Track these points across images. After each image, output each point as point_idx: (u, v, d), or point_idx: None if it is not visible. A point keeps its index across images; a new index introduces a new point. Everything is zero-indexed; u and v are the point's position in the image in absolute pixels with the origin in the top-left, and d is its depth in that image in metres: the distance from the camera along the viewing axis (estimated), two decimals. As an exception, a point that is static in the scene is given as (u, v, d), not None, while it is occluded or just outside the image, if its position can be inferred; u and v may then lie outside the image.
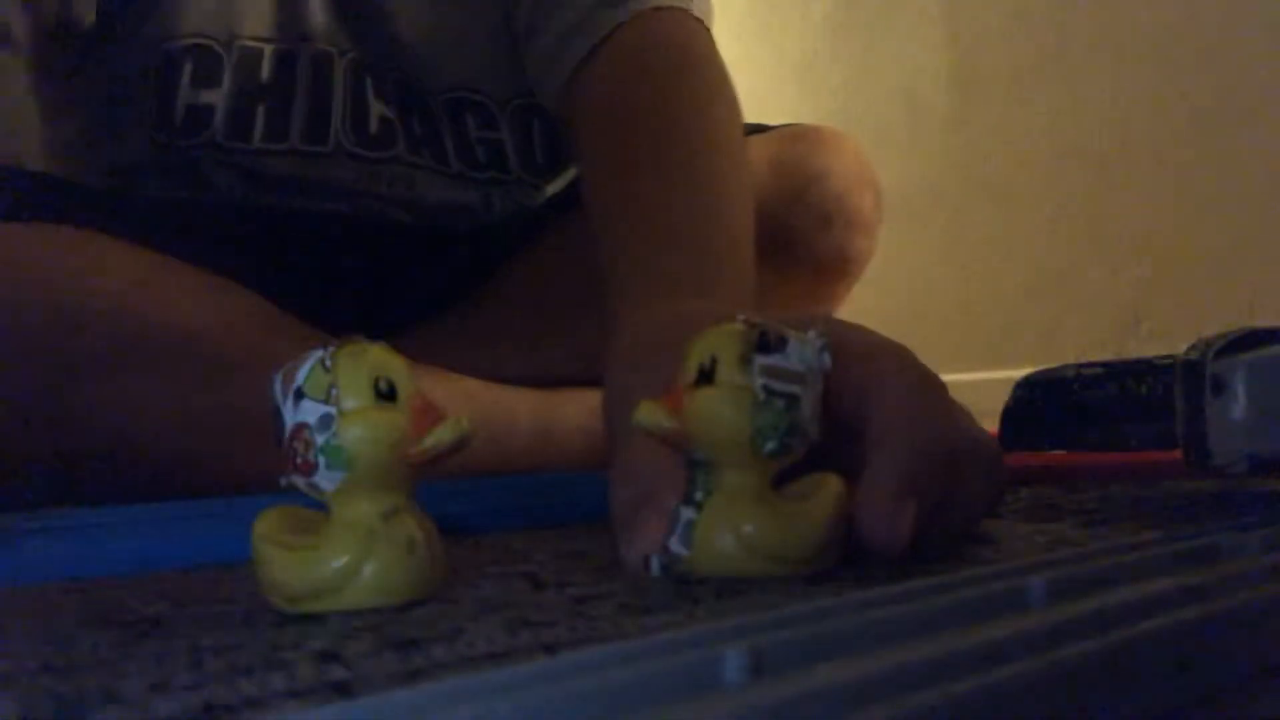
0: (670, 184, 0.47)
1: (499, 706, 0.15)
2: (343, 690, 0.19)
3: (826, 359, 0.28)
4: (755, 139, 0.67)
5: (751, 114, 0.61)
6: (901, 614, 0.20)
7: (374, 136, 0.67)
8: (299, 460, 0.24)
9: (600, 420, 0.38)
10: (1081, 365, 0.48)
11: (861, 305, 0.75)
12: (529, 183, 0.73)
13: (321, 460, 0.24)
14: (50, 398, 0.51)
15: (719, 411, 0.27)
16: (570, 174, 0.73)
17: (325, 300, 0.62)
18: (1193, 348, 0.39)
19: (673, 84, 0.53)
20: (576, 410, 0.63)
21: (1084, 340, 1.44)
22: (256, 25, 0.64)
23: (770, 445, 0.27)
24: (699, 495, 0.28)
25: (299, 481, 0.25)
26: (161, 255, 0.55)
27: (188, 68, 0.63)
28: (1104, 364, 0.47)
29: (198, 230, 0.63)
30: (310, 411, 0.24)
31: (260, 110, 0.65)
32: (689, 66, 0.55)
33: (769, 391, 0.27)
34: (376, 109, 0.67)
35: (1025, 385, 0.47)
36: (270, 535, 0.25)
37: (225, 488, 0.50)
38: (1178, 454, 0.39)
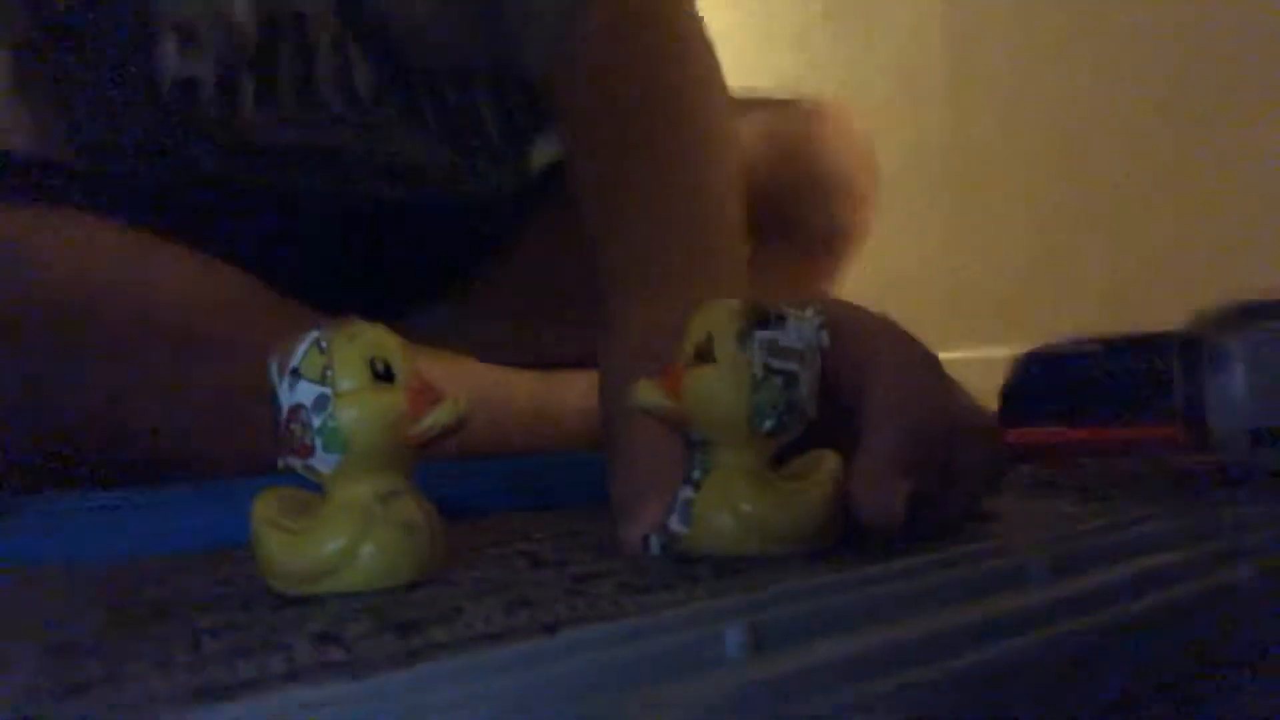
0: (663, 172, 0.47)
1: (498, 685, 0.14)
2: (341, 671, 0.19)
3: (824, 337, 0.28)
4: (751, 112, 0.67)
5: (743, 84, 0.61)
6: (900, 590, 0.20)
7: (362, 103, 0.66)
8: (296, 443, 0.24)
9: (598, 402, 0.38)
10: (1080, 341, 0.48)
11: (857, 280, 0.75)
12: (512, 151, 0.72)
13: (318, 442, 0.24)
14: (41, 382, 0.51)
15: (717, 390, 0.27)
16: (555, 149, 0.72)
17: (318, 282, 0.62)
18: (1192, 322, 0.39)
19: (662, 63, 0.53)
20: (575, 391, 0.63)
21: (1083, 317, 1.44)
22: (241, 2, 0.64)
23: (768, 424, 0.27)
24: (697, 474, 0.28)
25: (296, 463, 0.25)
26: (151, 235, 0.55)
27: (172, 41, 0.63)
28: (1102, 339, 0.47)
29: (185, 210, 0.63)
30: (306, 393, 0.24)
31: (248, 80, 0.64)
32: (678, 44, 0.54)
33: (767, 369, 0.27)
34: (362, 76, 0.66)
35: (1023, 362, 0.47)
36: (268, 518, 0.25)
37: (221, 468, 0.50)
38: (1177, 429, 0.39)
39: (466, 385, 0.60)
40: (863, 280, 0.78)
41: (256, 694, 0.18)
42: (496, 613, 0.23)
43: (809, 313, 0.28)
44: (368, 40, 0.66)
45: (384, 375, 0.24)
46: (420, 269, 0.71)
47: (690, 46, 0.54)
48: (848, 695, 0.15)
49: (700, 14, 0.58)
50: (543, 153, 0.74)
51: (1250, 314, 0.39)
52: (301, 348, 0.24)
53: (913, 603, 0.19)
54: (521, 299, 0.69)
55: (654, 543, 0.28)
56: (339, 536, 0.25)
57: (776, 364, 0.27)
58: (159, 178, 0.65)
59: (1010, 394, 0.47)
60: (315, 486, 0.26)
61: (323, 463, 0.25)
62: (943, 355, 0.32)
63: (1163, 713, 0.18)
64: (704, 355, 0.27)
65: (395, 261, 0.71)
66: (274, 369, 0.25)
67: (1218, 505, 0.28)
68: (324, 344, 0.24)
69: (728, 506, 0.27)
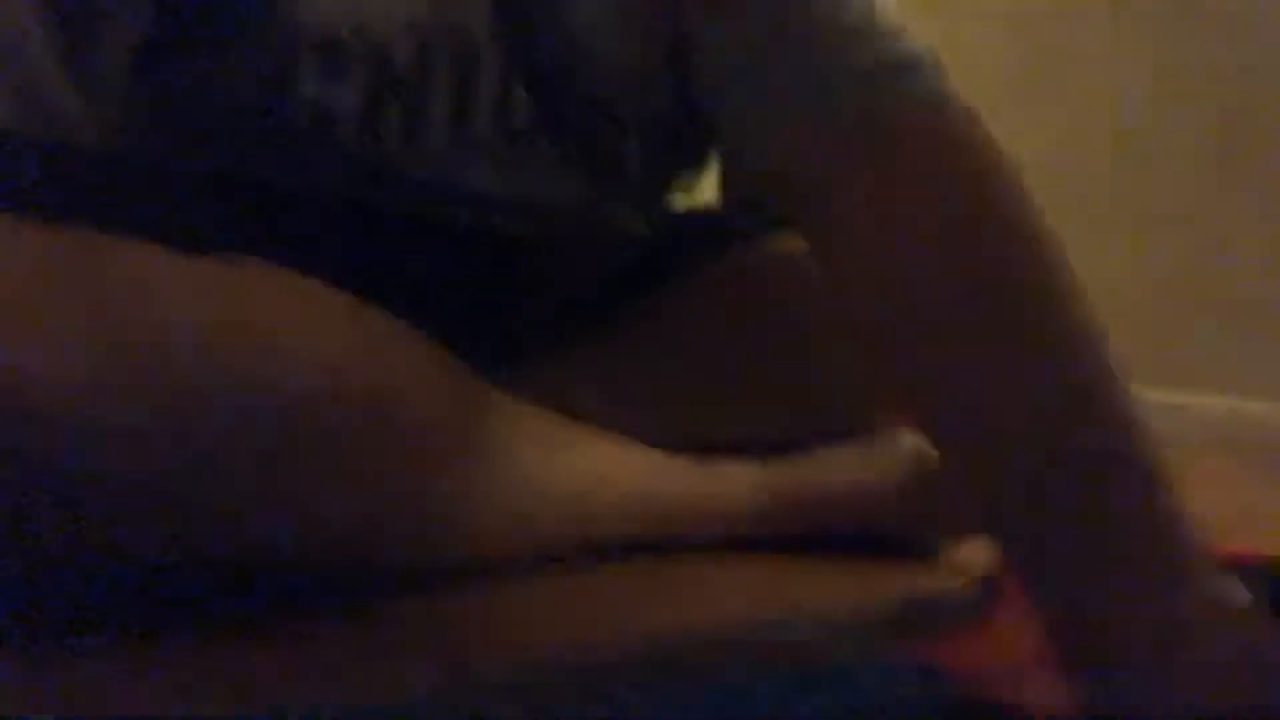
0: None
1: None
2: None
3: None
4: None
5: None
6: None
7: (518, 138, 0.57)
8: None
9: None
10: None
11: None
12: (652, 194, 0.63)
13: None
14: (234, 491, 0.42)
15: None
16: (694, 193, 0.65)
17: (439, 319, 0.54)
18: None
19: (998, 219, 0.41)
20: (741, 483, 0.56)
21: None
22: (395, 13, 0.55)
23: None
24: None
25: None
26: (357, 300, 0.47)
27: (314, 63, 0.53)
28: None
29: (298, 234, 0.54)
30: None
31: (395, 111, 0.55)
32: (998, 190, 0.42)
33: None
34: (520, 107, 0.56)
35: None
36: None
37: (412, 588, 0.45)
38: None
39: (615, 470, 0.53)
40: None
41: None
42: None
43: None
44: (532, 65, 0.57)
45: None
46: (550, 312, 0.63)
47: (1002, 181, 0.42)
48: None
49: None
50: (684, 196, 0.66)
51: None
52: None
53: None
54: (666, 365, 0.61)
55: None
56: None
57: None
58: (270, 191, 0.56)
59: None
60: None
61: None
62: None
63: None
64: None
65: (523, 302, 0.62)
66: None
67: None
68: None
69: None
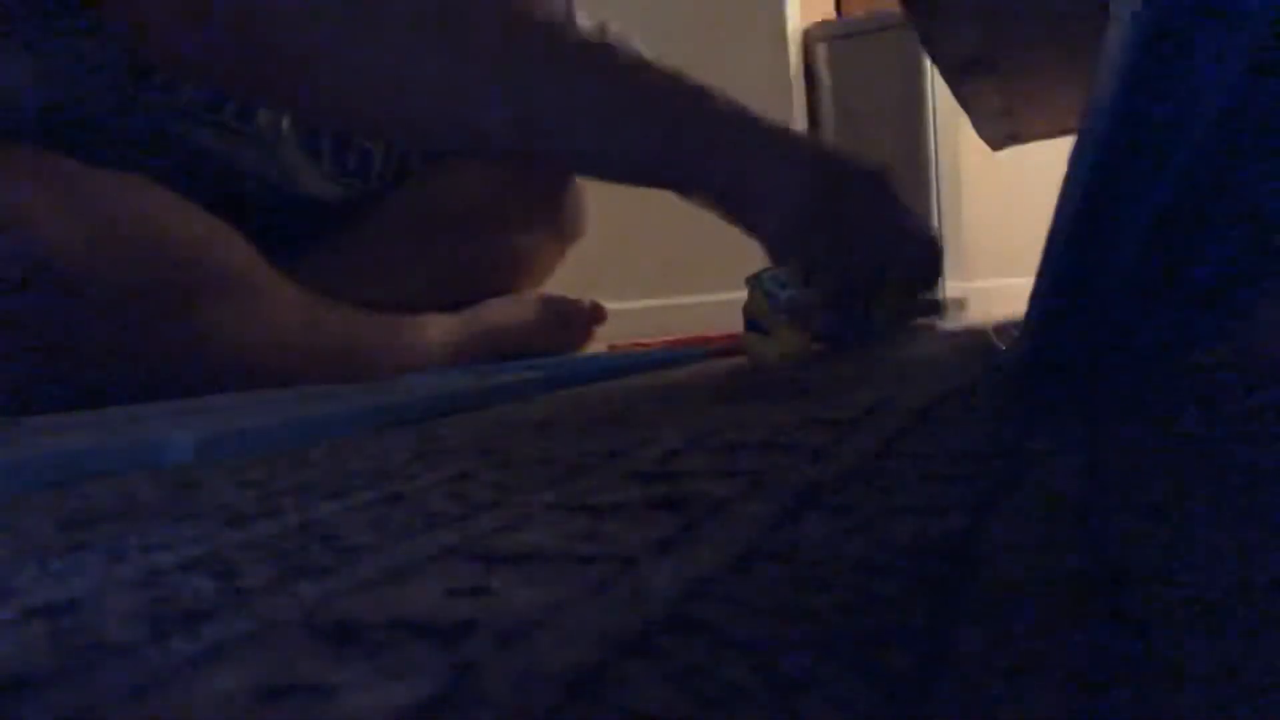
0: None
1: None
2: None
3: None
4: None
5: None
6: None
7: (283, 135, 0.74)
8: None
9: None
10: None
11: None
12: (388, 183, 0.84)
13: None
14: (146, 330, 0.57)
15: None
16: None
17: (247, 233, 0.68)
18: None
19: None
20: (436, 330, 0.77)
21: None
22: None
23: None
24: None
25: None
26: (192, 204, 0.62)
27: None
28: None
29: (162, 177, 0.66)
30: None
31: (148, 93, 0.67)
32: None
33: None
34: (265, 116, 0.73)
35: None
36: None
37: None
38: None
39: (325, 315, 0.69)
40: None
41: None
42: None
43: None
44: None
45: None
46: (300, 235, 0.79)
47: None
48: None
49: None
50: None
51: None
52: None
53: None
54: (386, 254, 0.80)
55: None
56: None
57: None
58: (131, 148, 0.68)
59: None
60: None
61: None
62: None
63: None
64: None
65: (288, 228, 0.78)
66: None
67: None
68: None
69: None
